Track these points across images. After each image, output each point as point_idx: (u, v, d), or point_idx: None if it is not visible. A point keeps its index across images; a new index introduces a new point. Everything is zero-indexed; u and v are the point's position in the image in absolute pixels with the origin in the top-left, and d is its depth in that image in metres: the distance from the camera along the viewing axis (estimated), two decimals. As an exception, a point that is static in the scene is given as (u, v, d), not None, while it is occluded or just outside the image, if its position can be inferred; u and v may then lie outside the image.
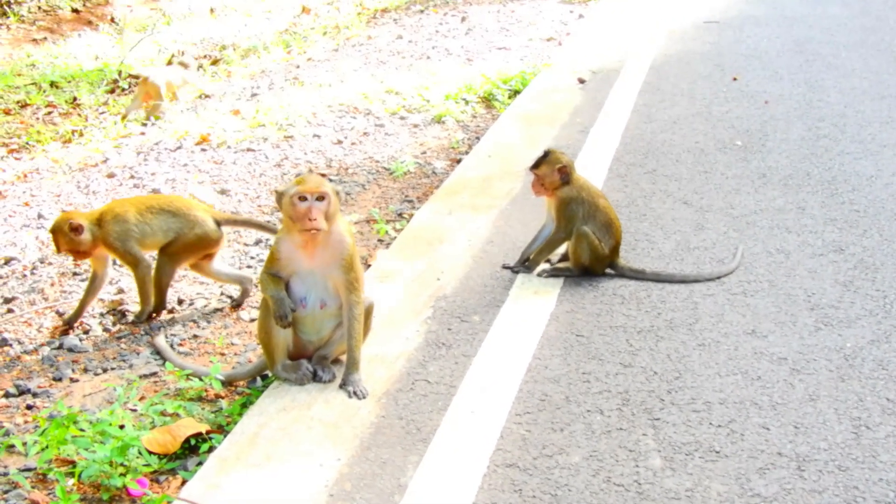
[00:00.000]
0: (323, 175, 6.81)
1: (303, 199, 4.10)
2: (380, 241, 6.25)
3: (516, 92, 9.64)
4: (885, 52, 10.72)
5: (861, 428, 3.94)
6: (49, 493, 3.81)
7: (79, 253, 5.30)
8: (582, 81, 9.72)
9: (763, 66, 10.28)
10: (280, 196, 4.19)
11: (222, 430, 4.19)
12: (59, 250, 5.32)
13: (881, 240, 5.79)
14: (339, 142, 8.34)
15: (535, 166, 5.33)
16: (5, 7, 15.33)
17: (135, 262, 5.27)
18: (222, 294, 5.66)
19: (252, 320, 5.29)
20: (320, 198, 4.11)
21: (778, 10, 13.41)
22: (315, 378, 4.35)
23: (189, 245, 5.31)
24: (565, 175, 5.33)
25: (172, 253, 5.30)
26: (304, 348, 4.44)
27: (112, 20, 16.07)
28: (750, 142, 7.71)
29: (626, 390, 4.26)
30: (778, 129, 8.03)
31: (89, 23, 16.14)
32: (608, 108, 8.77)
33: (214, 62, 12.88)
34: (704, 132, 7.99)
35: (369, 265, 5.74)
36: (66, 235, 5.19)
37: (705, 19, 12.96)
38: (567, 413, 4.09)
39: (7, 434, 4.25)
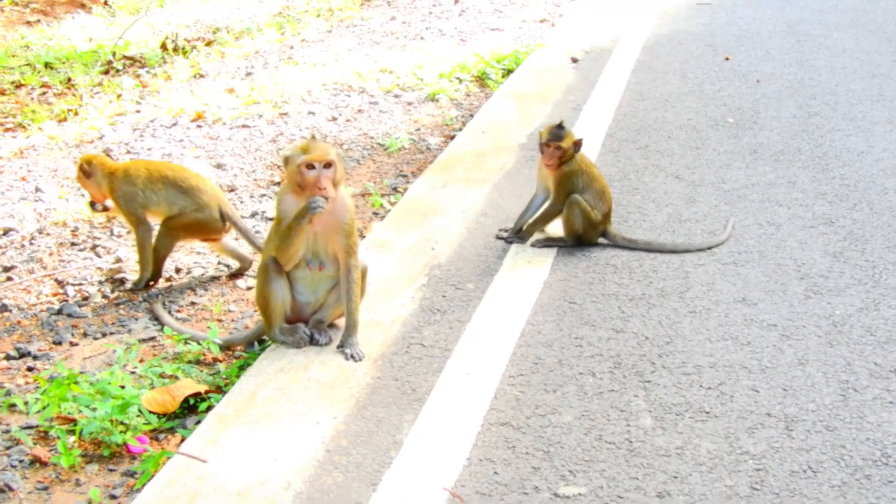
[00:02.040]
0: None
1: (311, 167, 4.15)
2: (375, 213, 6.30)
3: (510, 71, 9.69)
4: (875, 32, 10.79)
5: (849, 391, 4.01)
6: (51, 450, 3.86)
7: (93, 197, 5.51)
8: (575, 61, 9.76)
9: (755, 46, 10.34)
10: (287, 160, 4.25)
11: (220, 390, 4.24)
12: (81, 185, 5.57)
13: (870, 213, 5.86)
14: (334, 119, 8.38)
15: (559, 139, 5.32)
16: (-2, -12, 15.31)
17: (135, 224, 5.35)
18: (219, 263, 5.71)
19: (248, 289, 5.35)
20: (328, 165, 4.17)
21: (770, -8, 13.49)
22: (312, 341, 4.41)
23: (189, 225, 5.36)
24: (579, 148, 5.39)
25: (172, 227, 5.35)
26: (301, 311, 4.50)
27: (105, 3, 16.02)
28: (742, 119, 7.77)
29: (618, 354, 4.32)
30: (769, 106, 8.10)
31: (82, 5, 16.09)
32: (601, 86, 8.82)
33: (208, 43, 12.87)
34: (696, 110, 8.05)
35: (364, 236, 5.79)
36: (79, 172, 5.42)
37: (698, 1, 13.01)
38: (560, 375, 4.16)
39: (9, 394, 4.31)
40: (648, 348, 4.37)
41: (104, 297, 5.38)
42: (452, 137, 7.71)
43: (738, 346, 4.37)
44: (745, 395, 3.98)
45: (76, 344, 4.83)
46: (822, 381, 4.08)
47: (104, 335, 4.91)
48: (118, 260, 5.78)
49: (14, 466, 3.78)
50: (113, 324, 5.03)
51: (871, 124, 7.55)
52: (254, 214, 6.36)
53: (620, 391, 4.03)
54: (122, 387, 4.07)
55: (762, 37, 10.78)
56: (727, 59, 9.76)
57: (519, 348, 4.38)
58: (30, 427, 4.03)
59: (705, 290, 4.93)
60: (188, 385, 4.20)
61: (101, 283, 5.54)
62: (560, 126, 5.37)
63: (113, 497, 3.61)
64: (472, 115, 8.30)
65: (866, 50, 9.96)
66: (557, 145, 5.30)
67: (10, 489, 3.63)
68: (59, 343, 4.83)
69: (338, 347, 4.37)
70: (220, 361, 4.61)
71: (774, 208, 5.96)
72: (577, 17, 12.46)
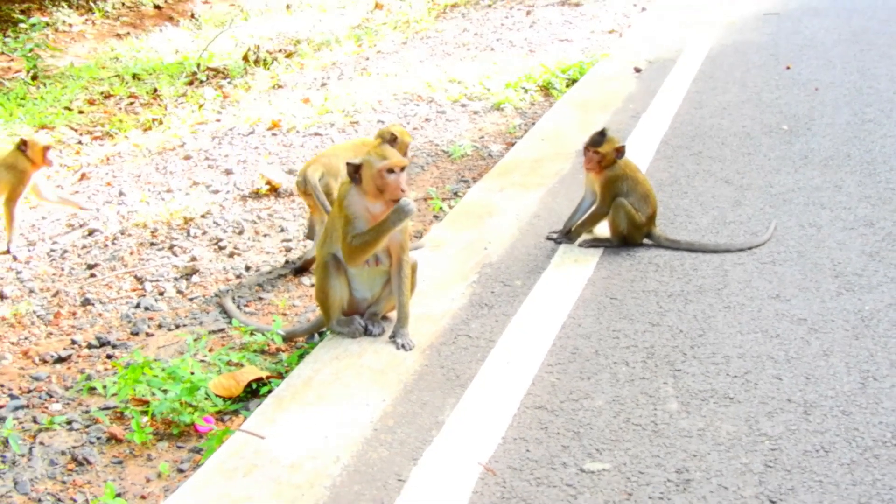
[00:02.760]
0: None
1: (391, 171, 4.54)
2: (435, 216, 6.67)
3: (574, 81, 10.00)
4: (942, 41, 10.85)
5: (868, 379, 4.25)
6: (126, 429, 4.30)
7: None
8: (638, 70, 10.03)
9: (817, 55, 10.48)
10: (357, 167, 4.59)
11: (281, 376, 4.65)
12: None
13: (912, 216, 6.05)
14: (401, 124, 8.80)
15: (597, 144, 5.67)
16: (91, 3, 16.07)
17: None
18: (286, 262, 6.13)
19: (312, 285, 5.75)
20: (403, 168, 4.58)
21: (838, 2, 13.56)
22: (366, 332, 4.79)
23: None
24: (621, 154, 5.71)
25: None
26: (357, 306, 4.89)
27: (192, 16, 16.71)
28: (796, 126, 7.96)
29: (652, 346, 4.62)
30: (825, 114, 8.27)
31: (170, 18, 16.81)
32: (661, 95, 9.08)
33: (289, 55, 13.40)
34: (752, 117, 8.27)
35: (422, 237, 6.16)
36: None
37: (765, 11, 13.15)
38: (595, 364, 4.47)
39: (89, 378, 4.77)
40: (681, 340, 4.65)
41: (179, 292, 5.84)
42: (513, 144, 8.05)
43: (767, 339, 4.63)
44: (768, 383, 4.24)
45: (151, 335, 5.29)
46: (844, 370, 4.32)
47: (178, 327, 5.37)
48: (193, 259, 6.24)
49: (92, 443, 4.23)
50: (186, 316, 5.49)
51: (924, 131, 7.70)
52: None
53: (651, 379, 4.33)
54: (192, 373, 4.49)
55: (825, 46, 10.91)
56: (788, 67, 9.93)
57: (559, 339, 4.71)
58: (107, 408, 4.50)
59: (742, 287, 5.18)
60: (252, 371, 4.62)
61: (176, 279, 6.00)
62: (602, 133, 5.71)
63: (180, 471, 4.03)
64: (534, 124, 8.63)
65: (929, 58, 10.05)
66: (595, 150, 5.65)
67: (89, 462, 4.08)
68: (136, 334, 5.30)
69: (390, 338, 4.75)
70: (283, 351, 5.02)
71: (818, 211, 6.17)
72: (645, 28, 12.71)
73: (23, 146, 6.81)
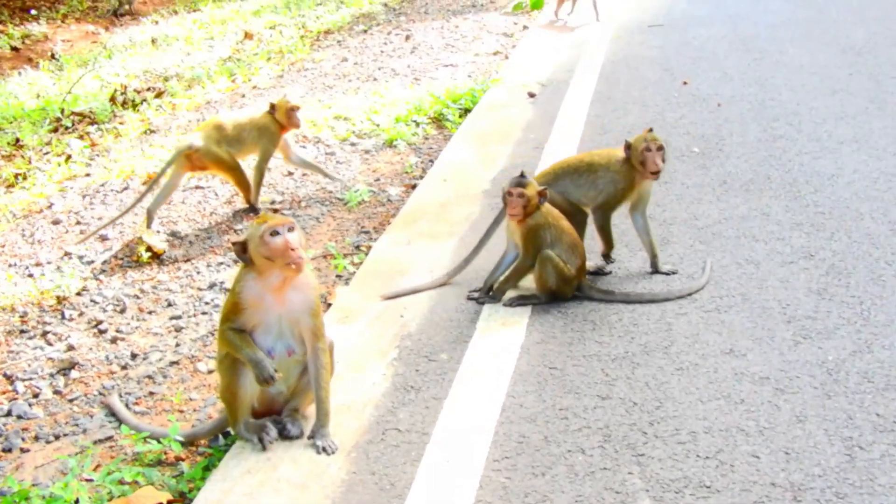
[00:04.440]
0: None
1: (275, 233, 3.92)
2: (338, 276, 6.04)
3: (467, 110, 9.47)
4: (830, 44, 10.70)
5: (854, 448, 3.80)
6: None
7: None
8: (532, 95, 9.57)
9: (712, 66, 10.21)
10: (243, 244, 4.02)
11: (184, 497, 3.95)
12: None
13: (850, 242, 5.68)
14: (290, 173, 8.12)
15: (522, 185, 5.11)
16: (-61, 50, 14.95)
17: None
18: (178, 346, 5.40)
19: (210, 372, 5.06)
20: (291, 229, 3.96)
21: (720, 9, 13.39)
22: (283, 434, 4.13)
23: None
24: (545, 198, 5.18)
25: None
26: (271, 402, 4.23)
27: (52, 56, 15.68)
28: (707, 147, 7.60)
29: (607, 425, 4.09)
30: (734, 132, 7.94)
31: (29, 60, 15.74)
32: (560, 121, 8.62)
33: (158, 94, 12.57)
34: (661, 140, 7.86)
35: (329, 304, 5.53)
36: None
37: (649, 23, 12.88)
38: (547, 455, 3.91)
39: (-45, 518, 4.00)
40: (638, 415, 4.14)
41: (56, 392, 5.06)
42: (413, 186, 7.46)
43: (731, 406, 4.15)
44: (745, 464, 3.75)
45: (27, 450, 4.51)
46: (825, 439, 3.87)
47: (57, 437, 4.59)
48: (70, 348, 5.46)
49: None
50: (67, 423, 4.72)
51: (837, 144, 7.41)
52: (211, 286, 6.06)
53: (613, 469, 3.79)
54: (77, 500, 3.78)
55: (718, 57, 10.65)
56: (685, 83, 9.61)
57: (501, 426, 4.13)
58: (-20, 557, 3.74)
59: (690, 343, 4.71)
60: (149, 494, 3.91)
61: (52, 375, 5.21)
62: (522, 175, 5.17)
63: None
64: (431, 161, 8.07)
65: (823, 64, 9.85)
66: (521, 192, 5.08)
67: None
68: (9, 450, 4.52)
69: (309, 438, 4.10)
70: (183, 460, 4.31)
71: (751, 244, 5.76)
72: (530, 48, 12.26)
73: (272, 109, 7.27)
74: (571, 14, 13.35)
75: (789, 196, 6.44)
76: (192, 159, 7.07)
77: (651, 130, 5.40)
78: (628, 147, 5.44)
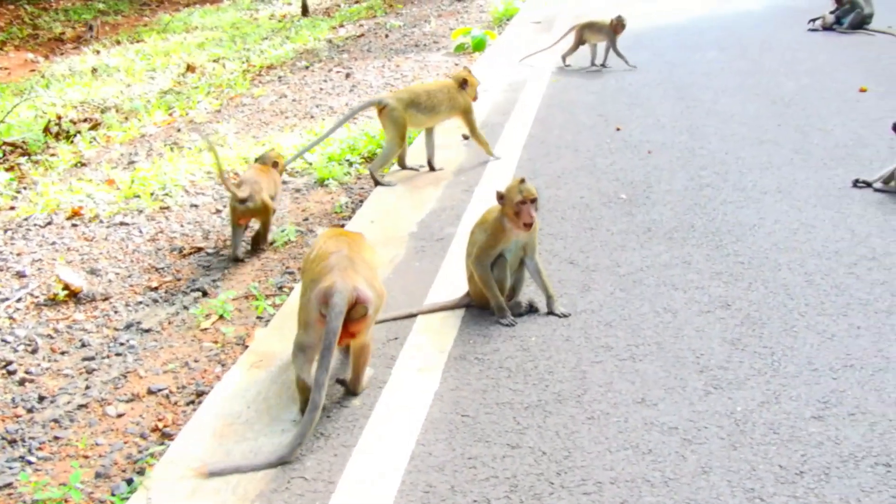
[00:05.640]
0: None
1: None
2: (258, 318, 5.98)
3: (401, 150, 9.47)
4: (761, 95, 10.87)
5: (755, 500, 3.82)
6: None
7: None
8: (466, 137, 9.60)
9: (646, 113, 10.32)
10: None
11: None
12: None
13: (766, 292, 5.75)
14: (218, 211, 8.06)
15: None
16: None
17: None
18: (87, 388, 5.30)
19: (119, 416, 4.97)
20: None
21: (658, 56, 13.54)
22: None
23: None
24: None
25: None
26: None
27: (-15, 84, 15.54)
28: (634, 194, 7.66)
29: (515, 475, 4.07)
30: (662, 179, 8.02)
31: (-38, 88, 15.57)
32: (492, 164, 8.66)
33: (94, 126, 12.45)
34: (589, 186, 7.93)
35: (247, 346, 5.47)
36: None
37: (588, 67, 13.01)
38: (452, 505, 3.89)
39: None
40: (546, 465, 4.13)
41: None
42: (341, 227, 7.44)
43: (639, 456, 4.16)
44: (647, 516, 3.76)
45: (-76, 496, 4.40)
46: (728, 491, 3.89)
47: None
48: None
49: None
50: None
51: (761, 194, 7.51)
52: (128, 326, 5.98)
53: (517, 520, 3.77)
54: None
55: (652, 103, 10.78)
56: (618, 129, 9.71)
57: (409, 475, 4.10)
58: None
59: (603, 392, 4.72)
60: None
61: (-43, 417, 5.10)
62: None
63: None
64: (362, 201, 8.05)
65: (753, 115, 10.01)
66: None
67: None
68: None
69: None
70: (86, 506, 4.22)
71: (670, 293, 5.81)
72: (469, 88, 12.31)
73: (464, 84, 8.58)
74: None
75: (711, 245, 6.51)
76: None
77: (523, 181, 5.45)
78: (501, 197, 5.48)
